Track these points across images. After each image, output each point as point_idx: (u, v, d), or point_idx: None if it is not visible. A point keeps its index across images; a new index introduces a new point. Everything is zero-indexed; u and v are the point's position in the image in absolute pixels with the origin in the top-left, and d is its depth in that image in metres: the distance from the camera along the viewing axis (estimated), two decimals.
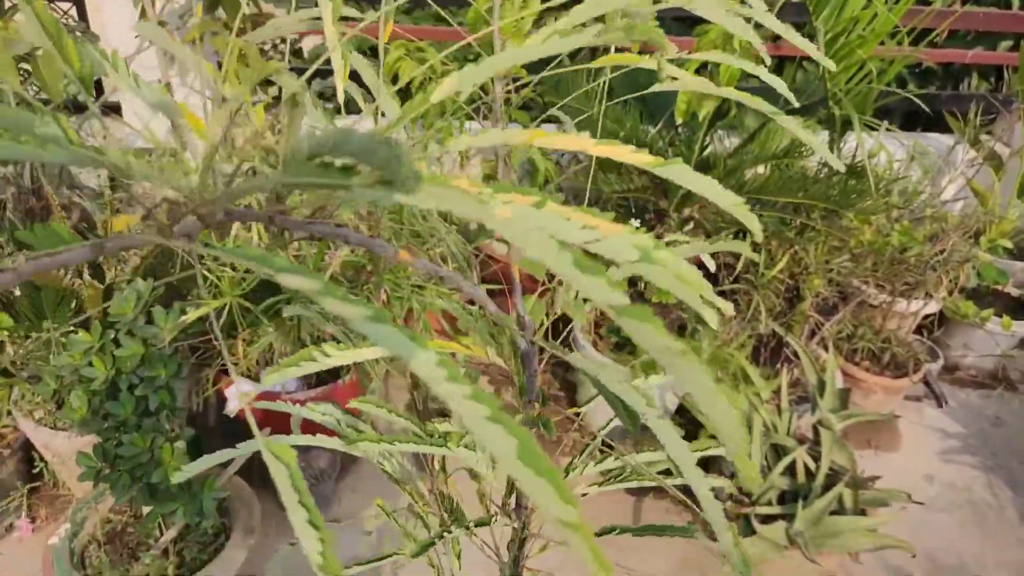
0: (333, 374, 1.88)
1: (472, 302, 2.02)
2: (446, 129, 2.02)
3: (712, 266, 0.79)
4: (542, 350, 0.68)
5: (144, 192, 0.31)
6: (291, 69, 2.05)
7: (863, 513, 1.68)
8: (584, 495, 0.84)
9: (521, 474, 0.20)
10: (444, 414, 0.88)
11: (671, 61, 0.71)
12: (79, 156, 0.27)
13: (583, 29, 0.37)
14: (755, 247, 2.06)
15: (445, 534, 0.79)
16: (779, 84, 0.78)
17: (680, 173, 0.38)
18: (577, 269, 0.22)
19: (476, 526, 0.81)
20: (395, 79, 1.99)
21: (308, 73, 0.47)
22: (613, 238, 0.25)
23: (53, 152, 0.27)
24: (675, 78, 0.61)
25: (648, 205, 1.95)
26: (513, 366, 0.74)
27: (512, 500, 0.83)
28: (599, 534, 0.90)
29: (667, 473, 0.81)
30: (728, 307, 0.86)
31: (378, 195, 0.24)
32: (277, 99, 0.52)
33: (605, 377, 0.54)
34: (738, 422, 0.24)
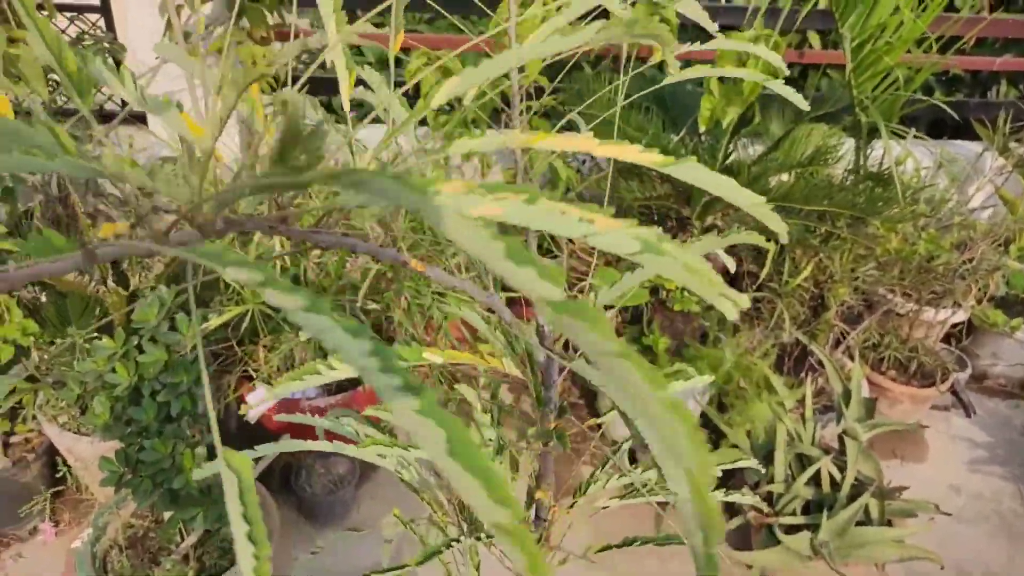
0: (354, 381, 1.88)
1: (491, 310, 2.01)
2: (464, 136, 2.02)
3: (732, 265, 0.77)
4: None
5: (140, 201, 0.31)
6: (314, 79, 2.06)
7: (889, 524, 1.65)
8: (605, 507, 0.83)
9: (451, 470, 0.19)
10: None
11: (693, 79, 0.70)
12: (79, 167, 0.28)
13: (583, 27, 0.36)
14: (779, 255, 2.04)
15: (453, 543, 0.79)
16: (796, 96, 0.77)
17: (693, 172, 0.36)
18: (510, 261, 0.21)
19: (490, 537, 0.80)
20: (418, 88, 1.99)
21: (304, 77, 0.47)
22: (612, 231, 0.24)
23: (59, 164, 0.27)
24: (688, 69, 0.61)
25: (670, 213, 1.94)
26: (530, 376, 0.74)
27: (532, 512, 0.82)
28: (620, 545, 0.88)
29: None
30: (744, 300, 0.84)
31: (344, 196, 0.23)
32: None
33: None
34: (689, 438, 0.21)
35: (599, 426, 2.06)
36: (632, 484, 0.86)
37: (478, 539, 0.80)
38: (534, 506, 0.82)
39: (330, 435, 0.92)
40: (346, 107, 0.51)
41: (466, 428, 0.19)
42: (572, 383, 2.30)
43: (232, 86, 0.31)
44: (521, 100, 1.09)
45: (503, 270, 0.21)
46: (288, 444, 0.74)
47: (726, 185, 0.38)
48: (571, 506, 0.84)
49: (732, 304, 0.28)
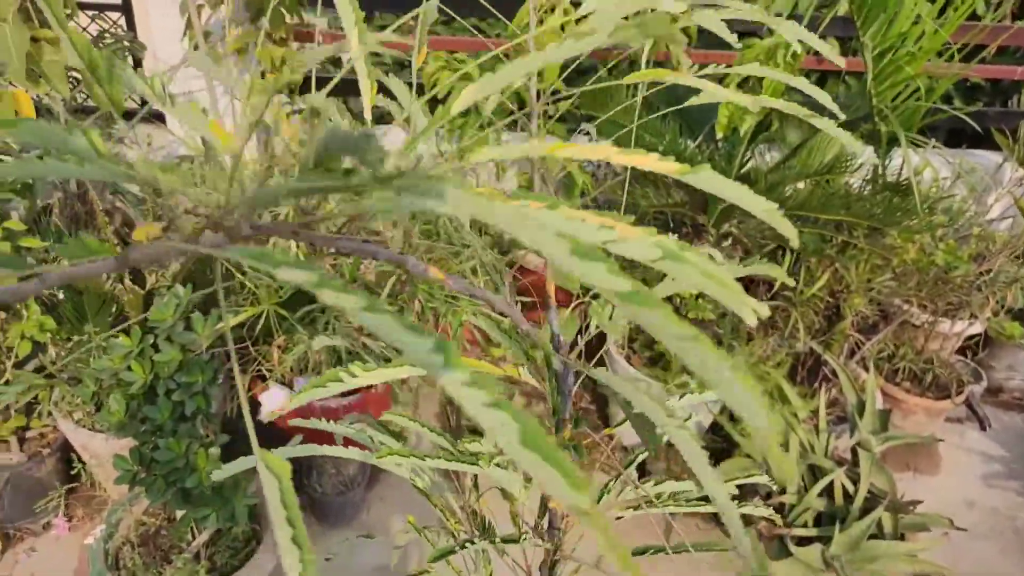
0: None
1: (504, 315, 2.01)
2: (480, 141, 2.02)
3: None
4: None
5: (170, 204, 0.31)
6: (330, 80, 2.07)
7: (902, 538, 1.63)
8: (619, 518, 0.83)
9: (527, 460, 0.19)
10: (476, 431, 0.87)
11: (709, 76, 0.69)
12: (113, 172, 0.28)
13: (597, 32, 0.36)
14: (795, 264, 2.03)
15: (468, 544, 0.78)
16: (823, 96, 0.76)
17: (709, 180, 0.37)
18: (576, 257, 0.22)
19: (504, 542, 0.80)
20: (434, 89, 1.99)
21: (331, 84, 0.47)
22: (634, 239, 0.25)
23: (90, 170, 0.28)
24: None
25: (685, 220, 1.93)
26: (546, 385, 0.73)
27: (545, 521, 0.82)
28: (635, 554, 0.88)
29: (705, 500, 0.80)
30: (764, 308, 0.84)
31: (386, 201, 0.23)
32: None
33: (629, 391, 0.53)
34: (762, 402, 0.23)
35: (611, 436, 2.06)
36: (645, 495, 0.85)
37: (491, 543, 0.80)
38: (547, 515, 0.82)
39: (346, 440, 0.92)
40: (368, 116, 0.51)
41: (536, 420, 0.20)
42: (582, 388, 2.30)
43: (262, 92, 0.31)
44: (541, 102, 1.09)
45: (571, 266, 0.22)
46: (302, 449, 0.74)
47: (741, 193, 0.38)
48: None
49: (752, 311, 0.29)
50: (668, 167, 0.37)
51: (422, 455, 0.70)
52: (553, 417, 0.75)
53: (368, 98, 0.51)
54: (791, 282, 0.69)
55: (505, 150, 0.38)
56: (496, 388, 0.20)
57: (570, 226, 0.25)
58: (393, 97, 0.65)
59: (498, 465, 0.73)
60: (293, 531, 0.22)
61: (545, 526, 0.82)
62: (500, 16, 1.09)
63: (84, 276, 0.30)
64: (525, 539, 0.79)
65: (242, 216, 0.31)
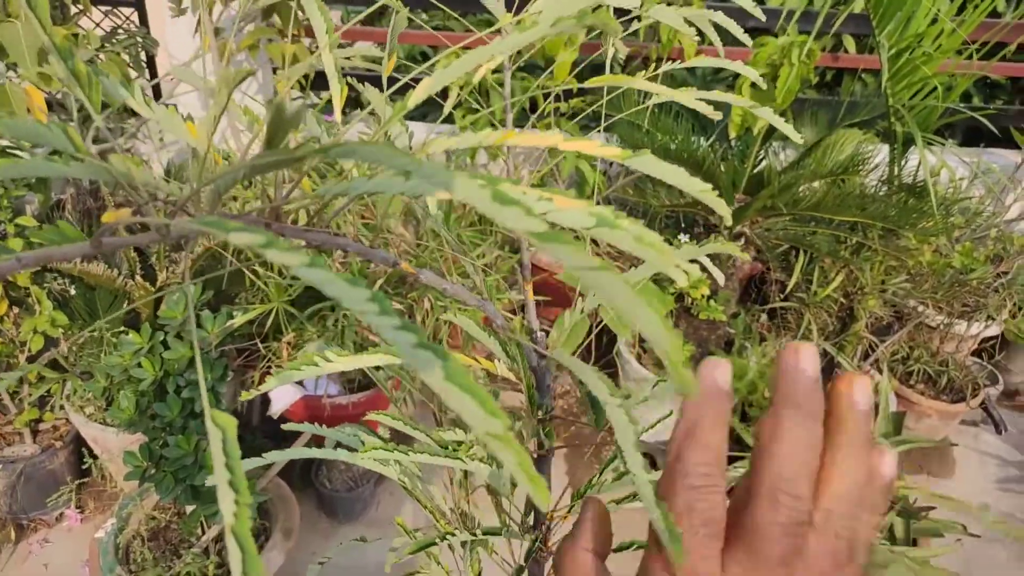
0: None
1: (514, 312, 2.00)
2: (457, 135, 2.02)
3: (720, 278, 0.77)
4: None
5: (140, 193, 0.33)
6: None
7: (915, 544, 1.61)
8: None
9: (448, 392, 0.21)
10: (459, 424, 0.86)
11: (701, 74, 0.68)
12: (96, 170, 0.30)
13: (539, 23, 0.38)
14: (808, 264, 2.01)
15: (448, 536, 0.78)
16: (792, 133, 0.75)
17: (647, 163, 0.39)
18: (496, 202, 0.24)
19: (485, 534, 0.79)
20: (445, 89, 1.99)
21: (305, 79, 0.47)
22: (570, 208, 0.27)
23: (75, 168, 0.30)
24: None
25: (698, 219, 1.92)
26: (524, 378, 0.73)
27: (531, 518, 0.82)
28: (617, 550, 0.87)
29: None
30: (719, 275, 0.82)
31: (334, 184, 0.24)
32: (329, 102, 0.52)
33: (578, 369, 0.56)
34: (663, 323, 0.25)
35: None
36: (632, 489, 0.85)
37: (474, 536, 0.80)
38: (532, 511, 0.82)
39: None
40: (337, 117, 0.52)
41: (456, 357, 0.22)
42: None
43: (224, 84, 0.33)
44: (547, 101, 1.08)
45: (492, 212, 0.24)
46: (295, 452, 0.74)
47: (676, 174, 0.40)
48: (569, 510, 0.84)
49: (682, 272, 0.31)
50: (611, 152, 0.39)
51: (406, 450, 0.70)
52: (531, 408, 0.74)
53: (338, 102, 0.51)
54: (746, 257, 0.69)
55: (460, 140, 0.39)
56: (422, 332, 0.22)
57: (514, 194, 0.27)
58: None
59: (481, 460, 0.73)
60: (231, 476, 0.24)
61: (531, 522, 0.82)
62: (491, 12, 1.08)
63: (59, 258, 0.32)
64: (507, 531, 0.78)
65: (210, 201, 0.32)
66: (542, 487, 0.22)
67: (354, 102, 3.01)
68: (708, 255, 0.73)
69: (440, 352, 0.21)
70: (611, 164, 2.27)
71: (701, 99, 0.67)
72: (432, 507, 0.80)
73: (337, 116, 0.46)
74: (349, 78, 0.54)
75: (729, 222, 0.45)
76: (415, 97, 0.37)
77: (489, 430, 0.21)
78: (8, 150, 1.48)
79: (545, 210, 0.27)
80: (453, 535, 0.76)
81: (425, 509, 0.79)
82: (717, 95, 0.64)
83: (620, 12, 0.66)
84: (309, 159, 0.27)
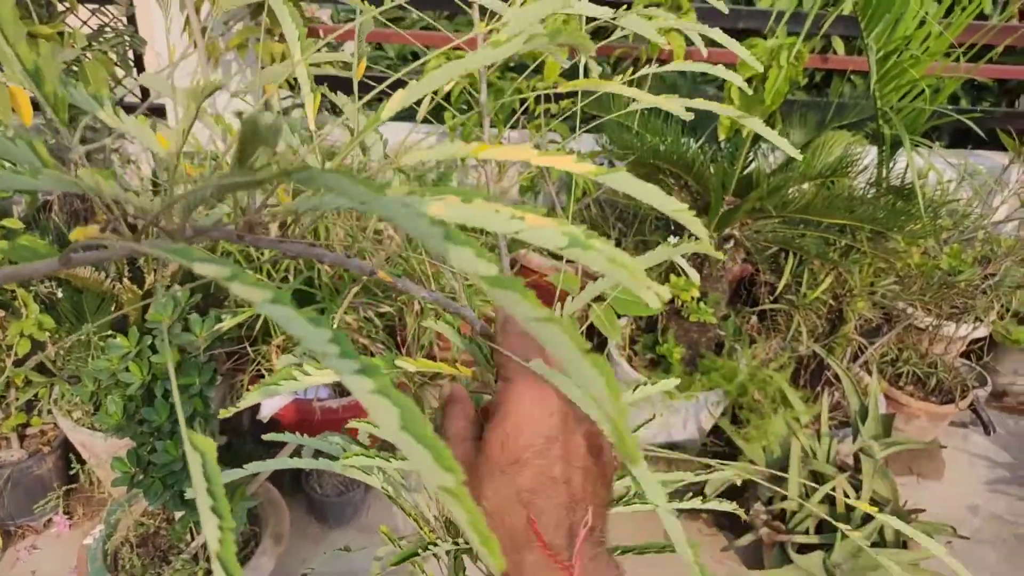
0: None
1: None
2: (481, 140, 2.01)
3: (695, 277, 0.77)
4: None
5: (111, 207, 0.32)
6: (332, 78, 2.06)
7: (904, 546, 1.62)
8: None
9: (402, 441, 0.21)
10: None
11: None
12: (62, 182, 0.29)
13: (512, 39, 0.39)
14: (798, 266, 2.02)
15: (431, 546, 0.78)
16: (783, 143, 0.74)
17: (622, 181, 0.39)
18: (448, 242, 0.23)
19: (468, 544, 0.78)
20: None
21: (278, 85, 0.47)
22: (542, 227, 0.27)
23: (43, 181, 0.29)
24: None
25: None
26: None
27: None
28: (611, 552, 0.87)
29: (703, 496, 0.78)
30: (664, 292, 0.83)
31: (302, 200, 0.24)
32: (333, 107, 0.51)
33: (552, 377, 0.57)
34: (607, 384, 0.25)
35: None
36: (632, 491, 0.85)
37: (456, 544, 0.79)
38: None
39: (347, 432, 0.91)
40: (311, 127, 0.51)
41: (416, 406, 0.22)
42: None
43: (192, 97, 0.33)
44: (539, 103, 1.08)
45: (444, 251, 0.23)
46: (277, 463, 0.73)
47: (652, 194, 0.40)
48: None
49: (654, 295, 0.31)
50: (585, 169, 0.39)
51: (388, 456, 0.70)
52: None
53: (312, 112, 0.51)
54: (722, 256, 0.69)
55: (434, 152, 0.39)
56: (383, 377, 0.22)
57: (482, 217, 0.27)
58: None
59: None
60: (213, 502, 0.24)
61: None
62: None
63: (28, 275, 0.32)
64: None
65: (180, 216, 0.32)
66: (494, 547, 0.22)
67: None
68: (695, 254, 0.73)
69: (398, 400, 0.21)
70: (601, 164, 2.27)
71: (689, 108, 0.67)
72: (416, 515, 0.80)
73: (311, 125, 0.46)
74: (324, 85, 0.54)
75: (705, 240, 0.46)
76: (388, 110, 0.37)
77: (442, 484, 0.21)
78: None
79: (517, 229, 0.27)
80: (435, 544, 0.76)
81: (409, 517, 0.78)
82: (701, 103, 0.64)
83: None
84: (272, 181, 0.27)
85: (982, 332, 2.27)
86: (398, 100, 0.37)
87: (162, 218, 0.31)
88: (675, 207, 0.41)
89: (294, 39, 0.46)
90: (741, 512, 0.95)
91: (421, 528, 0.78)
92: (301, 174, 0.25)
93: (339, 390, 1.87)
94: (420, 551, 0.75)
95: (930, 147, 1.91)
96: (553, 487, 0.40)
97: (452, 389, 0.48)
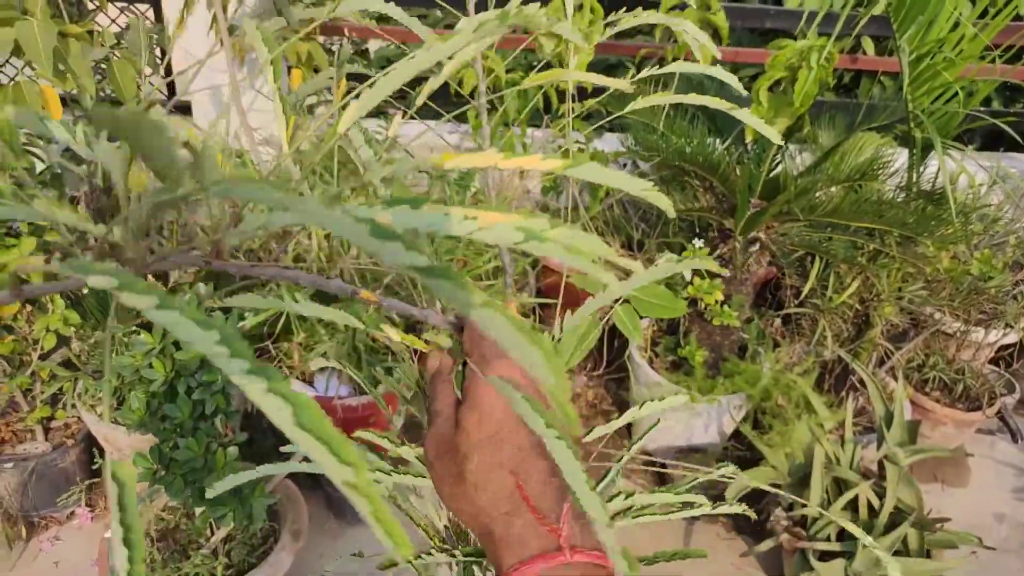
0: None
1: (526, 316, 1.99)
2: (508, 139, 2.01)
3: (689, 275, 0.76)
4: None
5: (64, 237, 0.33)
6: (353, 75, 2.06)
7: (928, 555, 1.60)
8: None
9: (301, 439, 0.21)
10: None
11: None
12: (17, 211, 0.31)
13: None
14: (824, 270, 1.99)
15: (425, 555, 0.77)
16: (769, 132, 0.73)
17: (587, 171, 0.40)
18: (375, 238, 0.23)
19: (468, 556, 0.78)
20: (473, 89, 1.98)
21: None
22: (495, 225, 0.27)
23: (15, 210, 0.31)
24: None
25: (712, 224, 1.90)
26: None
27: None
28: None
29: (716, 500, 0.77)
30: (637, 266, 0.82)
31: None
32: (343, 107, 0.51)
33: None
34: (546, 359, 0.25)
35: (631, 434, 2.04)
36: (633, 506, 0.84)
37: (451, 555, 0.79)
38: None
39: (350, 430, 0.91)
40: (286, 149, 0.52)
41: (309, 401, 0.22)
42: (605, 391, 2.28)
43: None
44: (563, 102, 1.07)
45: (373, 247, 0.23)
46: (288, 466, 0.73)
47: (618, 178, 0.40)
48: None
49: (616, 277, 0.32)
50: (552, 165, 0.39)
51: (389, 470, 0.69)
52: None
53: (284, 136, 0.51)
54: (724, 272, 0.68)
55: (410, 164, 0.40)
56: (276, 376, 0.22)
57: (432, 221, 0.27)
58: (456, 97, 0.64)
59: None
60: (125, 532, 0.25)
61: None
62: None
63: None
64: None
65: (130, 242, 0.32)
66: (398, 535, 0.21)
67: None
68: (720, 256, 0.72)
69: (292, 398, 0.21)
70: (624, 165, 2.25)
71: (716, 109, 0.66)
72: (425, 524, 0.80)
73: (285, 148, 0.45)
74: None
75: (672, 214, 0.46)
76: (343, 123, 0.38)
77: (343, 479, 0.21)
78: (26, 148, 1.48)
79: (469, 230, 0.27)
80: (431, 554, 0.76)
81: (418, 527, 0.78)
82: (722, 104, 0.63)
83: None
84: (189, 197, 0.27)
85: (1012, 338, 2.22)
86: (354, 111, 0.37)
87: (127, 248, 0.32)
88: (641, 186, 0.42)
89: (266, 63, 0.46)
90: (752, 513, 0.94)
91: (431, 538, 0.78)
92: (218, 187, 0.25)
93: (358, 388, 1.88)
94: (413, 560, 0.74)
95: (962, 150, 1.87)
96: (533, 458, 0.43)
97: (440, 362, 0.50)
